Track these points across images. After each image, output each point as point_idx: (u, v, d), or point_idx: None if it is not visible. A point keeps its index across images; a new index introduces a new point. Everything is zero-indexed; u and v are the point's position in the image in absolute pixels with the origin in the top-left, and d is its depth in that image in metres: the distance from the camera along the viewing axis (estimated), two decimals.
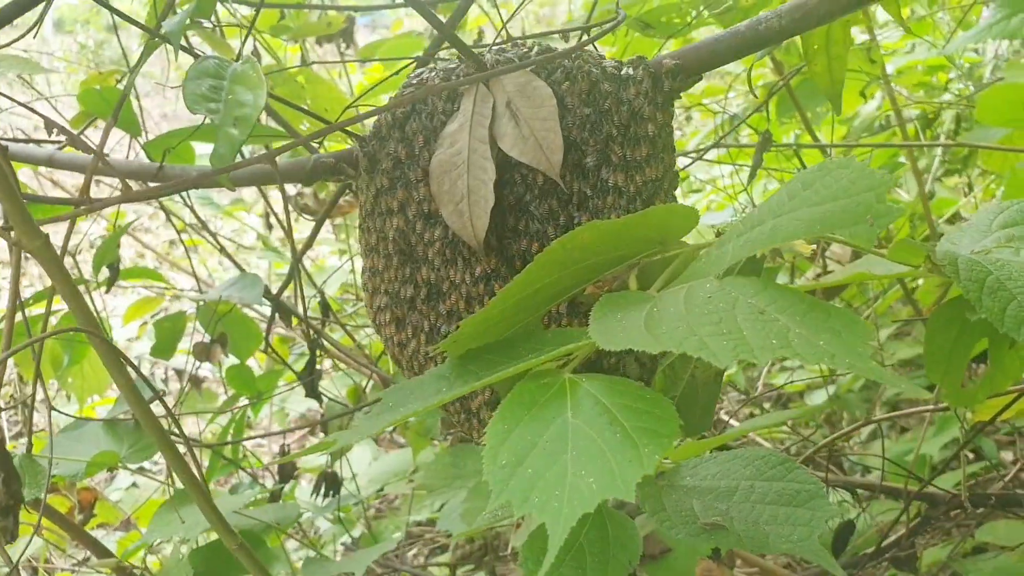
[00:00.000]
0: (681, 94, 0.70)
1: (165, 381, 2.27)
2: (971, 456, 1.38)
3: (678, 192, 0.78)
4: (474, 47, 0.71)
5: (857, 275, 0.74)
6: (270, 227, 2.48)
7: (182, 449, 0.73)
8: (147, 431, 0.68)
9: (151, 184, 0.79)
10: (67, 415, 1.17)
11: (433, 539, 1.97)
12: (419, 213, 0.73)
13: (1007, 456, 1.70)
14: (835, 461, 1.25)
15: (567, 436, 0.51)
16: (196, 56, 0.70)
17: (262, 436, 1.46)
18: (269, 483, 1.64)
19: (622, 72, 0.70)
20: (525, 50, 0.73)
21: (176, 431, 0.84)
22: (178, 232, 1.56)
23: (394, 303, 0.76)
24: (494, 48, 0.73)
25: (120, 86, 1.39)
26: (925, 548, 1.14)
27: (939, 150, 1.98)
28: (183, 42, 0.83)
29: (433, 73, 0.75)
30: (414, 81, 0.74)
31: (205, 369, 2.31)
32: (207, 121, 0.68)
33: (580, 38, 0.82)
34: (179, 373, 2.12)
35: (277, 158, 0.83)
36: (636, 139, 0.69)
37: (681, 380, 0.78)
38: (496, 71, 0.64)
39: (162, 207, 1.51)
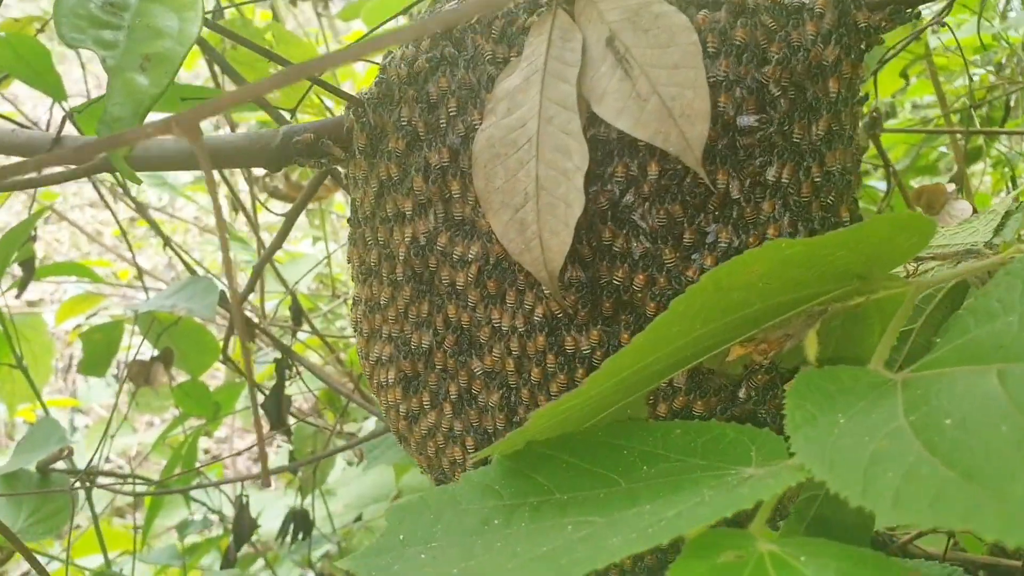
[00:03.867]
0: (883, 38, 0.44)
1: (117, 376, 2.00)
2: None
3: None
4: None
5: None
6: (236, 209, 2.19)
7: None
8: None
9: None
10: None
11: None
12: (447, 220, 0.46)
13: None
14: None
15: None
16: None
17: (215, 485, 1.19)
18: (227, 508, 1.38)
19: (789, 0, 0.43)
20: None
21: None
22: (118, 222, 1.27)
23: (403, 355, 0.50)
24: None
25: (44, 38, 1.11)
26: None
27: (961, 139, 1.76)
28: None
29: None
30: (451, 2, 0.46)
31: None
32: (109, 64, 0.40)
33: None
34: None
35: (225, 131, 0.56)
36: (813, 107, 0.42)
37: None
38: None
39: (95, 187, 1.22)
